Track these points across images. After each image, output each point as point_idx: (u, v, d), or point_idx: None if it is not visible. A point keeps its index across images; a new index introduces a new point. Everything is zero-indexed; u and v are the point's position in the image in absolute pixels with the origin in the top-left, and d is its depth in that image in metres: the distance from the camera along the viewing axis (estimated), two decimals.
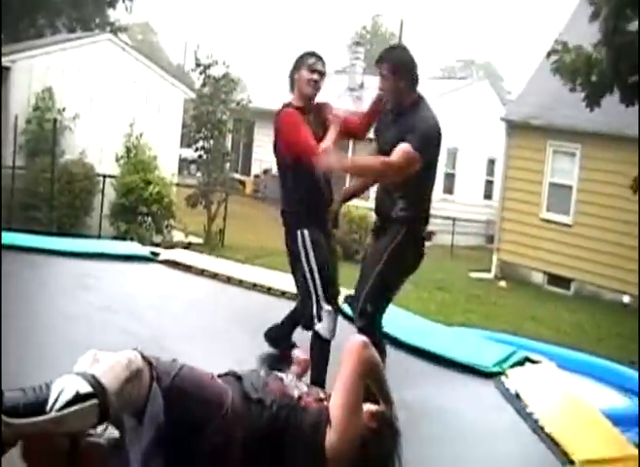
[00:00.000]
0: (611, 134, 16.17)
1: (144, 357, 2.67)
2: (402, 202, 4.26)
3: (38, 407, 2.39)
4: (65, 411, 2.40)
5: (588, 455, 3.62)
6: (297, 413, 2.94)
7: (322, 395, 3.04)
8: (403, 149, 4.06)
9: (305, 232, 4.29)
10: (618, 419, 6.14)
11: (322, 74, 4.41)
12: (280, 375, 3.13)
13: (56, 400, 2.40)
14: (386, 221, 4.35)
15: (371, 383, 3.04)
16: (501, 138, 19.39)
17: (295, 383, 3.07)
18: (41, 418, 2.38)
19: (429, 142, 4.16)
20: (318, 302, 4.26)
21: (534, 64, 19.93)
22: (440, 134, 4.23)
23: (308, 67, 4.39)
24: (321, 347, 4.25)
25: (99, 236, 15.11)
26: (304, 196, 4.35)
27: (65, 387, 2.43)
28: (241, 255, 14.59)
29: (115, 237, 14.72)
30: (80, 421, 2.46)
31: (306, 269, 4.28)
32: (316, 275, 4.27)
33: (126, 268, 6.23)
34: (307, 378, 3.61)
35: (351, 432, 2.87)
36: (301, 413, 2.94)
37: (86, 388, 2.44)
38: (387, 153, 4.13)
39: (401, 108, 4.25)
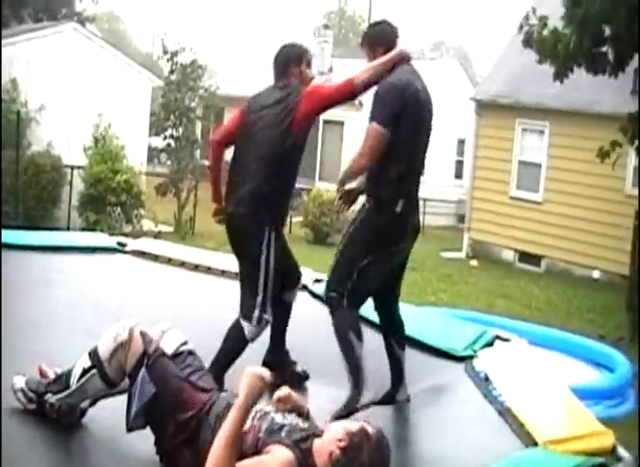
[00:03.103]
0: (578, 111, 16.26)
1: (142, 333, 3.15)
2: (367, 173, 4.16)
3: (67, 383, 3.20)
4: (78, 383, 3.17)
5: (552, 435, 3.62)
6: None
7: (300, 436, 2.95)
8: (367, 131, 4.03)
9: (273, 234, 4.15)
10: (587, 393, 6.23)
11: None
12: (265, 416, 3.05)
13: (74, 376, 3.18)
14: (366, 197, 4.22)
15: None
16: (470, 118, 19.44)
17: (252, 413, 2.98)
18: (68, 391, 3.19)
19: (387, 108, 4.03)
20: (263, 305, 4.14)
21: (502, 45, 20.01)
22: (402, 94, 4.06)
23: (308, 63, 4.45)
24: (235, 342, 4.15)
25: (68, 228, 15.03)
26: (283, 184, 4.23)
27: (77, 366, 3.18)
28: (212, 243, 14.54)
29: (84, 229, 14.63)
30: (92, 387, 3.18)
31: (262, 271, 4.13)
32: (270, 279, 4.14)
33: (93, 260, 6.19)
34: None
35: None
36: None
37: (87, 363, 3.16)
38: None
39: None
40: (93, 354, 3.16)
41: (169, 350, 3.30)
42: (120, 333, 3.14)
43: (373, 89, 4.17)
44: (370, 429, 2.88)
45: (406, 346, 4.44)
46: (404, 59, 4.21)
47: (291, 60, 4.39)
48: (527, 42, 11.79)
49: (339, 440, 2.83)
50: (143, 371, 3.08)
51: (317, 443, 2.89)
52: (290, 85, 4.32)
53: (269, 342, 4.52)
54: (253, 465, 2.82)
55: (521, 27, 11.84)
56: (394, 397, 4.30)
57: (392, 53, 4.20)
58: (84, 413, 3.33)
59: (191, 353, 3.35)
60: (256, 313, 4.13)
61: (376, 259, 4.11)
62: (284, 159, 4.20)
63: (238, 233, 4.24)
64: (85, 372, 3.15)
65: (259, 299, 4.14)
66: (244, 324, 4.14)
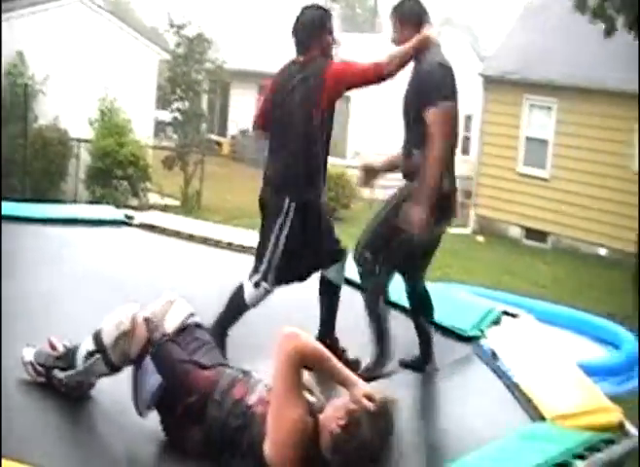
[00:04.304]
0: (586, 88, 16.17)
1: (146, 319, 3.16)
2: (417, 153, 4.10)
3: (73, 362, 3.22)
4: (82, 366, 3.19)
5: (560, 410, 3.63)
6: (246, 421, 2.95)
7: None
8: (432, 117, 3.98)
9: (293, 205, 4.14)
10: (594, 370, 6.23)
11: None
12: (252, 377, 3.11)
13: (80, 357, 3.19)
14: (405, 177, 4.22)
15: (316, 372, 3.00)
16: (478, 95, 19.35)
17: (259, 388, 3.03)
18: (74, 371, 3.21)
19: (445, 88, 4.05)
20: (265, 273, 4.17)
21: (510, 22, 19.89)
22: (451, 73, 4.11)
23: (329, 31, 4.29)
24: (235, 301, 4.20)
25: (75, 201, 15.01)
26: (310, 161, 4.19)
27: (82, 346, 3.19)
28: (219, 216, 14.55)
29: (90, 202, 14.62)
30: (97, 369, 3.20)
31: (272, 244, 4.15)
32: (277, 254, 4.15)
33: (100, 233, 6.18)
34: None
35: (283, 431, 2.80)
36: (249, 422, 2.94)
37: (92, 346, 3.17)
38: (410, 114, 4.10)
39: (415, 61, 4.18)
40: (97, 339, 3.17)
41: (175, 323, 3.28)
42: (122, 321, 3.14)
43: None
44: (371, 406, 2.84)
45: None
46: (430, 44, 4.17)
47: (313, 29, 4.23)
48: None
49: (339, 418, 2.83)
50: (147, 359, 3.10)
51: (320, 418, 2.90)
52: (313, 60, 4.21)
53: (319, 327, 4.42)
54: (271, 420, 2.84)
55: None
56: (424, 367, 4.35)
57: (421, 37, 4.14)
58: (92, 385, 3.34)
59: (197, 326, 3.34)
60: (256, 277, 4.19)
61: (419, 237, 4.09)
62: (311, 138, 4.17)
63: (263, 211, 4.30)
64: (89, 355, 3.18)
65: (262, 266, 4.18)
66: (245, 285, 4.19)
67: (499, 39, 20.14)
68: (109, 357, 3.15)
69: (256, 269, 4.22)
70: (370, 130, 21.19)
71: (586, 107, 16.34)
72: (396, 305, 4.74)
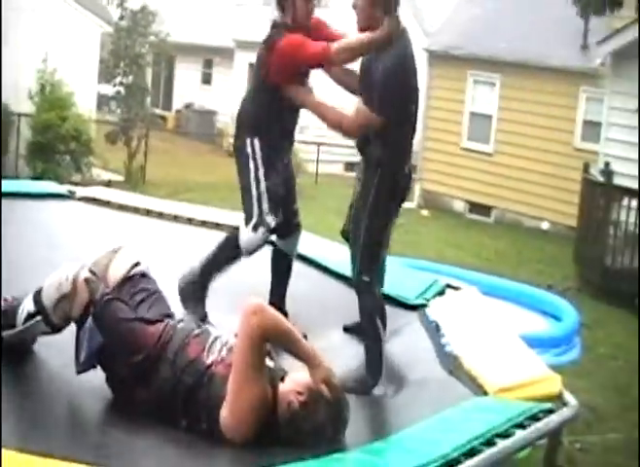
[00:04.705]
0: (529, 64, 16.33)
1: (87, 279, 3.08)
2: (378, 142, 3.87)
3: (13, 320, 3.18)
4: (23, 326, 3.16)
5: (502, 383, 3.67)
6: (201, 383, 2.92)
7: None
8: (358, 110, 3.83)
9: (256, 141, 4.11)
10: (536, 342, 6.34)
11: None
12: (209, 335, 3.07)
13: (21, 316, 3.15)
14: (365, 163, 3.98)
15: (279, 348, 2.97)
16: (422, 69, 19.40)
17: (217, 347, 3.00)
18: (15, 330, 3.17)
19: (392, 96, 3.78)
20: (261, 216, 4.08)
21: None
22: (406, 75, 3.84)
23: None
24: (226, 251, 4.16)
25: (16, 177, 14.74)
26: (271, 105, 4.11)
27: (24, 307, 3.16)
28: (163, 191, 14.43)
29: (32, 177, 14.35)
30: (38, 329, 3.18)
31: (253, 179, 4.09)
32: (263, 193, 4.08)
33: (43, 206, 6.08)
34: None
35: (243, 405, 2.79)
36: (206, 383, 2.91)
37: (32, 307, 3.13)
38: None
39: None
40: (37, 300, 3.13)
41: (120, 273, 3.25)
42: (62, 283, 3.09)
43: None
44: (328, 393, 2.86)
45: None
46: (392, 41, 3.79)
47: None
48: None
49: (299, 392, 2.84)
50: (90, 320, 3.03)
51: (280, 387, 2.90)
52: (278, 26, 4.13)
53: (269, 296, 4.38)
54: (231, 393, 2.82)
55: None
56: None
57: (382, 33, 3.77)
58: (34, 339, 3.29)
59: (143, 275, 3.30)
60: (254, 220, 4.09)
61: (390, 225, 4.01)
62: (267, 93, 4.12)
63: (234, 156, 4.27)
64: (30, 316, 3.13)
65: (255, 209, 4.09)
66: (241, 229, 4.11)
67: (444, 14, 20.17)
68: (50, 319, 3.12)
69: (249, 216, 4.11)
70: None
71: (529, 83, 16.50)
72: (341, 276, 4.78)
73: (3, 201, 5.71)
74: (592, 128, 14.80)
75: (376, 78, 3.78)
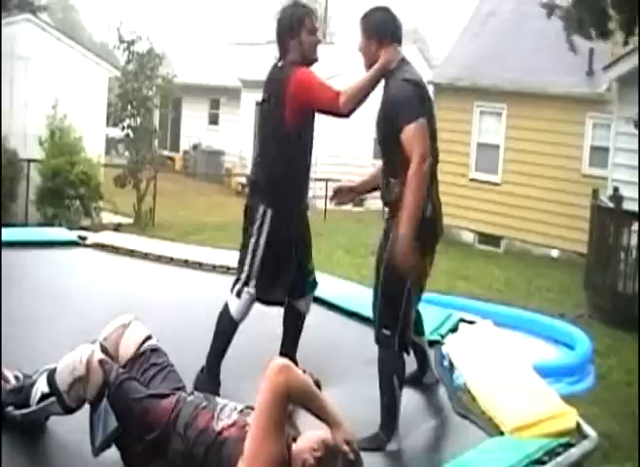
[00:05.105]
0: (534, 93, 16.40)
1: (101, 361, 3.08)
2: (395, 182, 3.74)
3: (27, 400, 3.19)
4: (37, 406, 3.17)
5: (517, 422, 3.65)
6: (213, 449, 2.91)
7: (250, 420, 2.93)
8: (408, 135, 3.62)
9: (269, 211, 4.07)
10: (549, 371, 6.33)
11: (317, 29, 4.12)
12: (217, 403, 3.08)
13: (35, 397, 3.16)
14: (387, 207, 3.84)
15: (302, 407, 2.93)
16: None
17: (226, 413, 3.01)
18: (29, 410, 3.18)
19: (411, 106, 3.68)
20: (247, 279, 4.08)
21: (459, 28, 20.09)
22: (412, 94, 3.73)
23: (309, 31, 4.07)
24: (224, 322, 4.11)
25: (26, 224, 14.83)
26: (288, 167, 4.07)
27: (38, 387, 3.16)
28: (172, 233, 14.49)
29: (42, 223, 14.44)
30: (52, 410, 3.17)
31: (251, 251, 4.07)
32: (257, 259, 4.07)
33: (53, 254, 6.13)
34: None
35: (261, 462, 2.75)
36: (218, 448, 2.91)
37: (46, 388, 3.13)
38: (384, 140, 3.81)
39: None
40: (51, 383, 3.12)
41: (131, 350, 3.27)
42: (76, 366, 3.08)
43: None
44: (350, 453, 2.84)
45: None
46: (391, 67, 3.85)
47: (286, 30, 4.07)
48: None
49: (315, 449, 2.82)
50: (105, 401, 3.03)
51: (293, 447, 2.87)
52: (286, 64, 4.06)
53: (280, 349, 4.33)
54: (250, 449, 2.81)
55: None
56: (422, 379, 4.30)
57: (379, 65, 3.85)
58: (48, 417, 3.29)
59: (154, 350, 3.32)
60: (237, 286, 4.10)
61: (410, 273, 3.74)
62: (283, 145, 4.07)
63: (245, 219, 4.22)
64: (44, 397, 3.14)
65: (243, 275, 4.10)
66: (229, 300, 4.11)
67: (448, 46, 20.31)
68: (64, 401, 3.11)
69: (237, 280, 4.13)
70: (334, 139, 21.17)
71: (535, 111, 16.55)
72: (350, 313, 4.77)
73: (14, 251, 5.78)
74: (600, 154, 14.83)
75: (386, 101, 3.77)
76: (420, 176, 3.59)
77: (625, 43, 10.56)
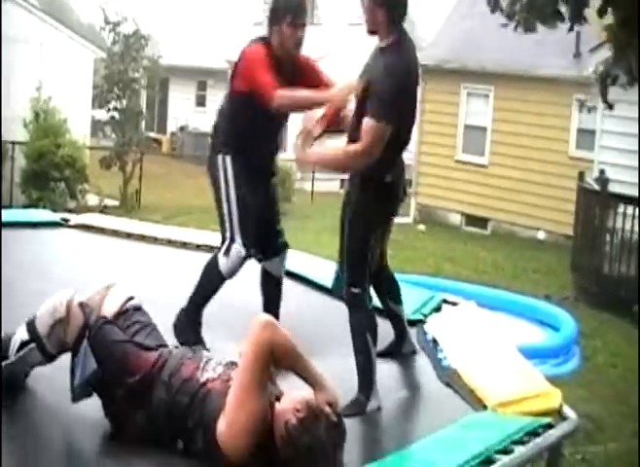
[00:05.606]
0: (521, 75, 16.40)
1: (81, 304, 3.08)
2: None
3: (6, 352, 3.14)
4: (16, 357, 3.12)
5: (501, 398, 3.65)
6: (197, 400, 2.90)
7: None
8: (366, 128, 3.62)
9: (228, 158, 4.15)
10: (534, 353, 6.34)
11: (304, 26, 4.16)
12: (202, 356, 3.08)
13: (14, 347, 3.12)
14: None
15: (284, 367, 2.92)
16: None
17: (211, 366, 3.00)
18: (7, 362, 3.12)
19: (391, 100, 3.63)
20: (232, 235, 4.10)
21: (447, 9, 20.04)
22: (400, 81, 3.69)
23: (288, 24, 4.10)
24: (209, 276, 4.14)
25: (10, 206, 14.75)
26: (246, 131, 4.15)
27: (15, 336, 3.13)
28: (158, 215, 14.45)
29: (27, 206, 14.35)
30: (32, 359, 3.13)
31: (224, 203, 4.13)
32: (234, 211, 4.12)
33: (36, 235, 6.08)
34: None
35: (242, 419, 2.76)
36: (201, 399, 2.90)
37: (25, 336, 3.10)
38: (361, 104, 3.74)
39: (378, 48, 3.79)
40: (31, 328, 3.10)
41: (114, 308, 3.24)
42: (57, 308, 3.06)
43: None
44: (329, 408, 2.84)
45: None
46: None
47: (272, 18, 4.18)
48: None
49: (298, 410, 2.81)
50: (85, 343, 3.01)
51: (276, 406, 2.87)
52: (256, 39, 4.21)
53: None
54: (231, 406, 2.81)
55: None
56: (400, 348, 4.31)
57: (329, 95, 3.89)
58: (27, 374, 3.24)
59: (137, 309, 3.30)
60: (225, 244, 4.12)
61: (377, 236, 3.92)
62: (235, 106, 4.20)
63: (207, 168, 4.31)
64: (23, 344, 3.10)
65: (227, 233, 4.13)
66: (219, 258, 4.13)
67: (436, 27, 20.27)
68: (44, 346, 3.07)
69: (223, 239, 4.16)
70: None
71: (522, 94, 16.56)
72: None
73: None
74: (587, 136, 14.85)
75: (373, 80, 3.69)
76: (350, 157, 3.74)
77: (571, 29, 10.45)
